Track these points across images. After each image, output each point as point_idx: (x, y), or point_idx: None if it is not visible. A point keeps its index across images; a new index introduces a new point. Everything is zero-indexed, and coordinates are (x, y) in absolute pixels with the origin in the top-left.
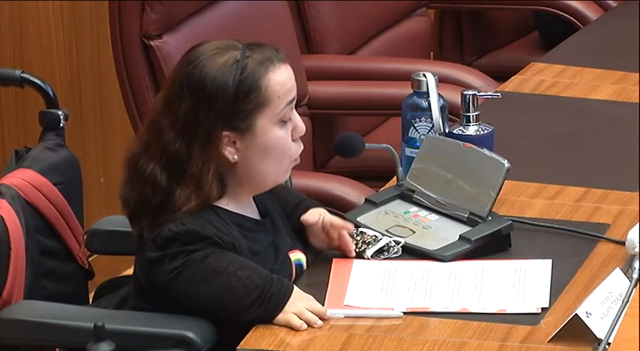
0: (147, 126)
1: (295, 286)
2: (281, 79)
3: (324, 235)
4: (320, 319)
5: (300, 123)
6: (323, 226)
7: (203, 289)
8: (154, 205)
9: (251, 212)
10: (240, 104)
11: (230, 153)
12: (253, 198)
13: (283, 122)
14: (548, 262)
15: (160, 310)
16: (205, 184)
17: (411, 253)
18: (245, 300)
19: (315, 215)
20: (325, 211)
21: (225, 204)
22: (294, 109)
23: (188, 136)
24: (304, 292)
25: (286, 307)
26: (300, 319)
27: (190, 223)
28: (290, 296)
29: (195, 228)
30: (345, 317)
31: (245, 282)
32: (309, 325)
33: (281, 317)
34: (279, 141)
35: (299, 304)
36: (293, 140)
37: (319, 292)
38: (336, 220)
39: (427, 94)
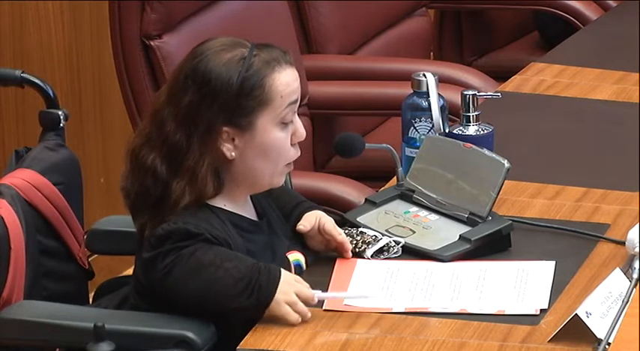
0: (149, 117)
1: (283, 270)
2: (285, 80)
3: (321, 237)
4: (308, 304)
5: (301, 128)
6: (319, 230)
7: (192, 283)
8: (154, 197)
9: (248, 212)
10: (242, 101)
11: (228, 149)
12: (251, 199)
13: (284, 124)
14: (552, 264)
15: (159, 310)
16: (200, 177)
17: (411, 253)
18: (233, 290)
19: (311, 221)
20: (322, 213)
21: (223, 204)
22: (296, 114)
23: (189, 127)
24: None
25: (277, 295)
26: (294, 310)
27: (183, 222)
28: (279, 282)
29: (187, 226)
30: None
31: (232, 272)
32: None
33: (275, 308)
34: (278, 142)
35: (289, 289)
36: (292, 145)
37: None
38: (329, 227)
39: (427, 94)
